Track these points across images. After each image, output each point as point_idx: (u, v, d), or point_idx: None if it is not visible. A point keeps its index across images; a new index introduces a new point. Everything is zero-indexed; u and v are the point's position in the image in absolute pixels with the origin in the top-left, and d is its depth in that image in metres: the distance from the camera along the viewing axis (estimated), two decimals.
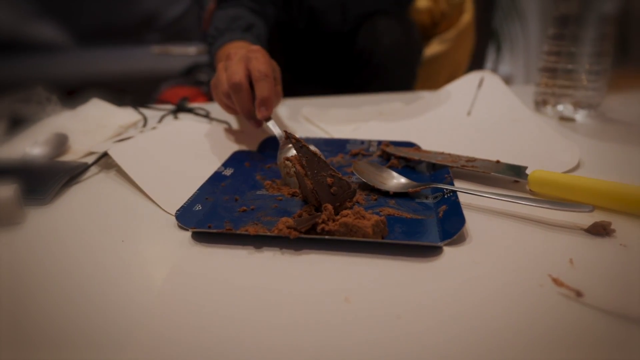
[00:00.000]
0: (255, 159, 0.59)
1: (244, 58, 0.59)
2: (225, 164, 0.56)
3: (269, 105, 0.57)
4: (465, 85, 0.82)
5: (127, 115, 0.78)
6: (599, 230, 0.41)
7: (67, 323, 0.31)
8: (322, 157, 0.56)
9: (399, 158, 0.58)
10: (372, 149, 0.63)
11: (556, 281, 0.34)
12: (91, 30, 2.15)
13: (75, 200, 0.51)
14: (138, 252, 0.40)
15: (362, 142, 0.64)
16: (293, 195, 0.49)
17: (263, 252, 0.39)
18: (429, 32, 1.46)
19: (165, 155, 0.58)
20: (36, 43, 2.00)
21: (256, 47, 0.61)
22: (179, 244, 0.41)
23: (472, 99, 0.77)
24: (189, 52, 1.90)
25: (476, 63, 1.67)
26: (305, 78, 1.26)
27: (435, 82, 1.40)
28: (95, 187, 0.54)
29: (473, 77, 0.82)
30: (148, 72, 1.75)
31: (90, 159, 0.59)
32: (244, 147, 0.63)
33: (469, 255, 0.38)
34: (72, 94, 0.83)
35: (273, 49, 1.03)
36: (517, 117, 0.72)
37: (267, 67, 0.57)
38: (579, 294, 0.33)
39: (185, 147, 0.61)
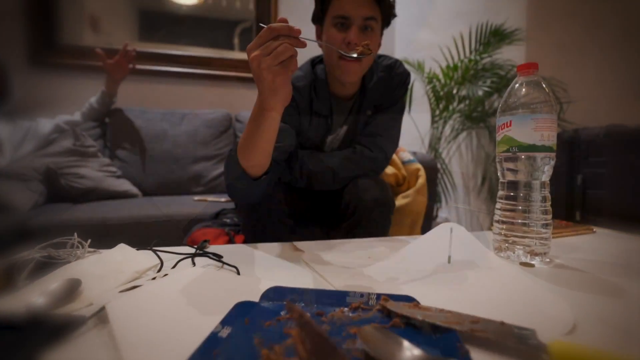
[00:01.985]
0: (256, 313, 0.40)
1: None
2: (224, 322, 0.38)
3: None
4: (439, 234, 0.66)
5: (145, 259, 0.60)
6: None
7: None
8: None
9: (401, 316, 0.39)
10: (371, 302, 0.44)
11: None
12: (155, 184, 2.09)
13: None
14: None
15: (362, 294, 0.46)
16: None
17: None
18: (394, 190, 1.40)
19: (164, 310, 0.41)
20: (114, 194, 1.92)
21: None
22: None
23: (449, 247, 0.61)
24: (221, 200, 1.80)
25: (428, 212, 1.57)
26: (304, 222, 1.12)
27: (402, 227, 1.30)
28: (84, 347, 0.34)
29: (444, 227, 0.67)
30: (188, 215, 1.64)
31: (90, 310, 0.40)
32: (247, 297, 0.45)
33: None
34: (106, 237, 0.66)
35: (278, 199, 0.91)
36: (493, 266, 0.55)
37: None
38: None
39: (189, 299, 0.43)
